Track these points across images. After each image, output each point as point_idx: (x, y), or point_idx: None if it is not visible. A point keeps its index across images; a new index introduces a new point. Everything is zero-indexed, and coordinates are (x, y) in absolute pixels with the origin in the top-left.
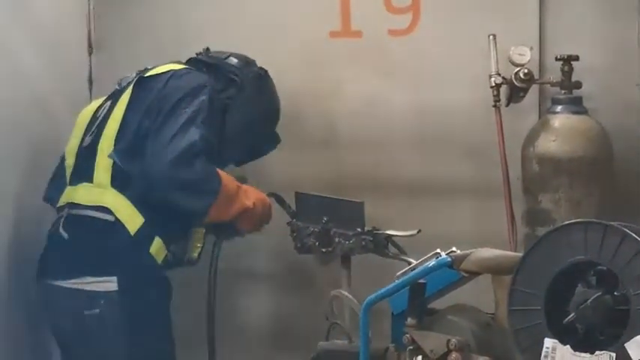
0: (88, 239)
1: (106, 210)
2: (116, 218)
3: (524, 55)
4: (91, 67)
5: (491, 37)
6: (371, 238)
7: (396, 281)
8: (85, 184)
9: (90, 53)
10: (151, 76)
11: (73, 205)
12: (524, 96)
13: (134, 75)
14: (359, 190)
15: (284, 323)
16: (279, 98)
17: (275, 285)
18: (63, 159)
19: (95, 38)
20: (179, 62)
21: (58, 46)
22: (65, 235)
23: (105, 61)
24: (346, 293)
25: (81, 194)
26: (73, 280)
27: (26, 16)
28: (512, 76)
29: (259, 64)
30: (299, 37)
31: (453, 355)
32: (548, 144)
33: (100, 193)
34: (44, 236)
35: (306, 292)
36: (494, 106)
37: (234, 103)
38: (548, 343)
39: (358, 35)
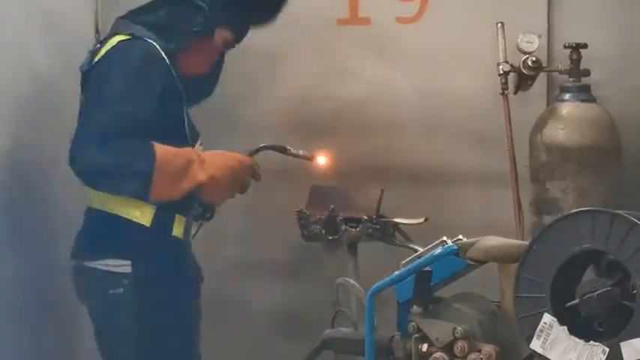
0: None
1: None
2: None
3: (533, 42)
4: None
5: (499, 24)
6: (378, 226)
7: (402, 269)
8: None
9: (96, 39)
10: (90, 67)
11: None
12: (532, 84)
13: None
14: (366, 178)
15: (290, 311)
16: None
17: (281, 273)
18: None
19: (102, 24)
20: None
21: (66, 39)
22: (88, 226)
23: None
24: (352, 281)
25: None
26: (98, 262)
27: (34, 9)
28: (521, 64)
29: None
30: (307, 24)
31: (459, 343)
32: (556, 132)
33: (98, 195)
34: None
35: (312, 280)
36: (502, 93)
37: None
38: (547, 318)
39: (366, 22)
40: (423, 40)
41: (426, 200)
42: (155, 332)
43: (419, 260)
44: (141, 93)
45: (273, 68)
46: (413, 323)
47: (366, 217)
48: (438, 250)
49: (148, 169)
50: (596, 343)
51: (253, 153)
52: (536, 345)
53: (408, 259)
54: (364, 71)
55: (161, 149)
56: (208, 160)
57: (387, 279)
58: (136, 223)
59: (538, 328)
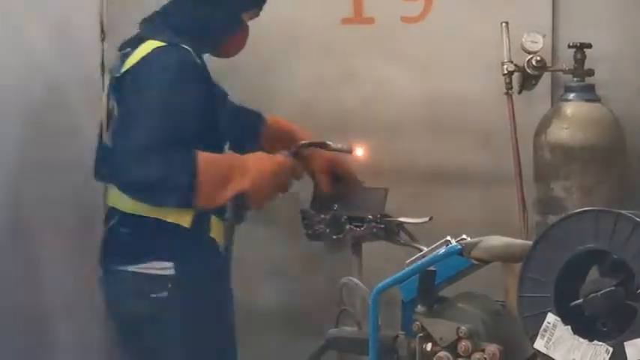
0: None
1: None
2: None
3: (537, 42)
4: (103, 53)
5: (503, 24)
6: (382, 225)
7: (406, 268)
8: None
9: (102, 39)
10: (123, 73)
11: (119, 211)
12: (536, 83)
13: (117, 58)
14: (370, 177)
15: (294, 310)
16: None
17: (285, 272)
18: None
19: (107, 24)
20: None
21: (70, 32)
22: (125, 230)
23: (117, 47)
24: (356, 280)
25: (115, 200)
26: (139, 265)
27: (38, 2)
28: (525, 64)
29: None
30: (311, 23)
31: (463, 342)
32: (561, 132)
33: (131, 200)
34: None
35: (316, 280)
36: (507, 93)
37: None
38: (551, 318)
39: (370, 22)
40: (428, 39)
41: (430, 200)
42: (199, 334)
43: (423, 260)
44: (181, 103)
45: (277, 68)
46: (417, 322)
47: (370, 217)
48: (442, 250)
49: (192, 180)
50: (600, 343)
51: (293, 152)
52: (540, 344)
53: (412, 259)
54: (368, 71)
55: (204, 158)
56: (249, 166)
57: (391, 278)
58: (176, 225)
59: (542, 328)
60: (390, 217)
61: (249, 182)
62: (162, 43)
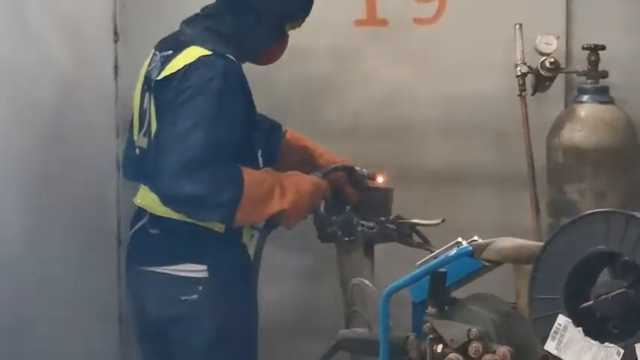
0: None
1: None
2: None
3: (551, 44)
4: (116, 55)
5: (517, 26)
6: (395, 227)
7: (417, 270)
8: (146, 188)
9: (115, 41)
10: (165, 77)
11: (148, 212)
12: (550, 85)
13: (157, 59)
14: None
15: (306, 311)
16: None
17: (297, 273)
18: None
19: (120, 26)
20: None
21: (84, 34)
22: (155, 231)
23: (130, 49)
24: (367, 282)
25: (146, 201)
26: (170, 267)
27: (51, 4)
28: (539, 66)
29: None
30: (324, 24)
31: (474, 344)
32: (574, 134)
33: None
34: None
35: (328, 281)
36: (520, 95)
37: None
38: (561, 320)
39: (384, 23)
40: (441, 41)
41: (442, 202)
42: (227, 338)
43: (434, 261)
44: (229, 117)
45: (290, 69)
46: (428, 324)
47: (383, 219)
48: (453, 251)
49: (237, 198)
50: (611, 345)
51: (326, 174)
52: (550, 346)
53: (423, 260)
54: (381, 72)
55: (248, 175)
56: (288, 185)
57: (402, 280)
58: (209, 229)
59: (553, 330)
60: (403, 218)
61: (289, 203)
62: (208, 52)
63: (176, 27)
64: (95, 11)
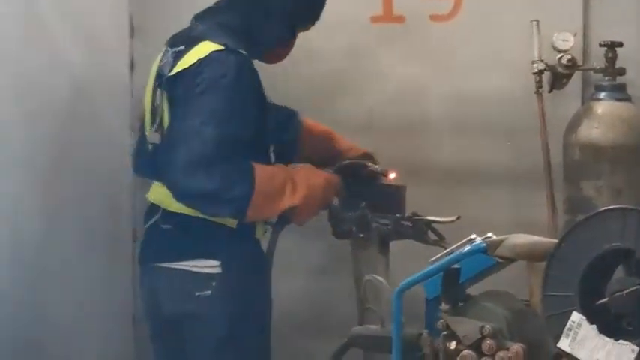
0: (193, 232)
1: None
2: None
3: (568, 41)
4: (132, 52)
5: (534, 22)
6: (410, 224)
7: (430, 266)
8: (159, 184)
9: (131, 37)
10: (177, 73)
11: (161, 208)
12: (567, 82)
13: (169, 54)
14: (397, 173)
15: (319, 307)
16: None
17: (311, 270)
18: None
19: (136, 22)
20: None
21: (99, 30)
22: (168, 227)
23: (146, 45)
24: (380, 278)
25: (158, 197)
26: (183, 262)
27: (66, 1)
28: (555, 63)
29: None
30: (340, 21)
31: (487, 341)
32: (591, 131)
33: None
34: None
35: (341, 278)
36: (537, 92)
37: None
38: (575, 317)
39: (400, 20)
40: (457, 38)
41: (458, 199)
42: (240, 334)
43: (447, 257)
44: (241, 113)
45: (305, 65)
46: (441, 321)
47: (399, 215)
48: (467, 248)
49: (248, 194)
50: (625, 342)
51: (339, 170)
52: (564, 343)
53: (436, 257)
54: (397, 69)
55: (260, 171)
56: (299, 181)
57: (415, 276)
58: (222, 225)
59: (566, 327)
60: (418, 215)
61: (300, 199)
62: (220, 47)
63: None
64: (110, 7)
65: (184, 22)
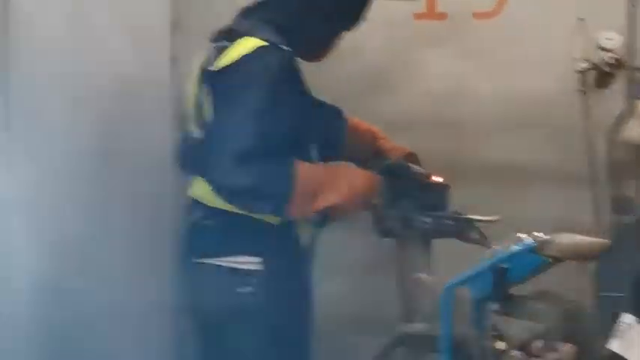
0: (235, 228)
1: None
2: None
3: (613, 39)
4: (173, 47)
5: (579, 20)
6: (453, 223)
7: (478, 265)
8: (201, 180)
9: (172, 32)
10: (221, 68)
11: (203, 204)
12: (612, 81)
13: (212, 50)
14: (439, 175)
15: (364, 307)
16: None
17: (354, 268)
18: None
19: (176, 17)
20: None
21: (141, 25)
22: (210, 223)
23: (187, 40)
24: (426, 276)
25: (200, 193)
26: (224, 259)
27: (115, 12)
28: (600, 61)
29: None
30: (382, 18)
31: (536, 342)
32: (636, 130)
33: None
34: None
35: (386, 276)
36: (581, 91)
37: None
38: (627, 318)
39: (443, 17)
40: (501, 35)
41: (501, 198)
42: (283, 331)
43: (496, 257)
44: (283, 110)
45: (348, 63)
46: (489, 321)
47: (440, 214)
48: (516, 247)
49: (289, 191)
50: None
51: (381, 170)
52: (615, 345)
53: (485, 255)
54: (440, 67)
55: (301, 168)
56: (340, 179)
57: (463, 275)
58: (263, 221)
59: (618, 328)
60: (461, 214)
61: (340, 197)
62: (264, 42)
63: (232, 18)
64: (152, 2)
65: (225, 17)
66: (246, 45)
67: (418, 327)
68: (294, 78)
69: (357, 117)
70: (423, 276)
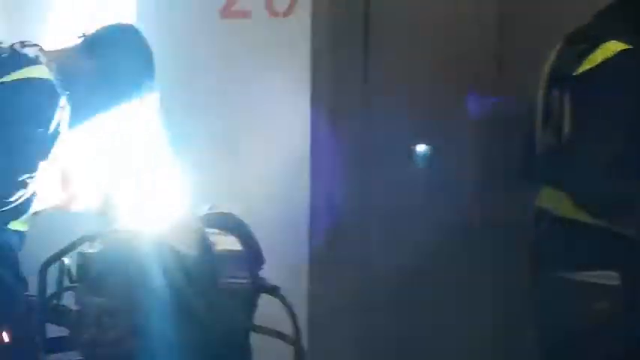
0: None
1: None
2: None
3: None
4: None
5: None
6: None
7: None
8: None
9: None
10: (583, 73)
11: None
12: None
13: (568, 53)
14: None
15: None
16: None
17: None
18: None
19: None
20: None
21: None
22: (562, 235)
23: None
24: None
25: (551, 202)
26: (578, 273)
27: None
28: None
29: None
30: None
31: None
32: None
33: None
34: None
35: None
36: None
37: None
38: None
39: None
40: None
41: None
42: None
43: None
44: None
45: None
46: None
47: None
48: None
49: None
50: None
51: None
52: None
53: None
54: None
55: None
56: None
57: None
58: (622, 234)
59: None
60: None
61: None
62: (627, 46)
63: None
64: None
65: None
66: (607, 50)
67: None
68: None
69: None
70: None
